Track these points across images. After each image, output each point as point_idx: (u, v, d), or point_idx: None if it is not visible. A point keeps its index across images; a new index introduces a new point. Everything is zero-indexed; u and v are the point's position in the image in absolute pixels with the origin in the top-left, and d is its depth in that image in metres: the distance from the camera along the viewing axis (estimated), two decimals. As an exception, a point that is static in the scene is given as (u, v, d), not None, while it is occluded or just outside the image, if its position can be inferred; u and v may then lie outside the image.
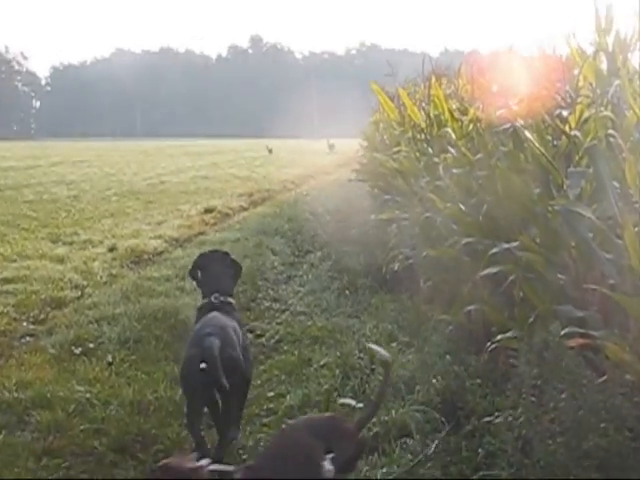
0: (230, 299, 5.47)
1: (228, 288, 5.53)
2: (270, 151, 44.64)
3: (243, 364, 4.97)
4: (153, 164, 35.30)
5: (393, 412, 5.27)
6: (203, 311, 5.33)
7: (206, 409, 4.89)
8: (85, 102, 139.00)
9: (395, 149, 9.43)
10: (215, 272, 5.57)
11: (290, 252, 12.42)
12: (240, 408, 5.28)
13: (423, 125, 8.32)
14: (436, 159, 7.21)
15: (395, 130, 10.19)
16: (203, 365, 4.58)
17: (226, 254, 5.79)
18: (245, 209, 18.72)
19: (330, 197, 19.57)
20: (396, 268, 8.56)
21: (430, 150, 7.75)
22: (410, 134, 8.82)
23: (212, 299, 5.38)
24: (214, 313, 5.21)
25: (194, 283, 5.75)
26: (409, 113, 8.86)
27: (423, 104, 8.59)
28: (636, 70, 5.05)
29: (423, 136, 8.28)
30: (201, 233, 14.58)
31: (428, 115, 8.01)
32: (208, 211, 17.32)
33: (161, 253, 12.45)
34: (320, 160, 38.97)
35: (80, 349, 7.19)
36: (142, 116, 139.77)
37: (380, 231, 10.45)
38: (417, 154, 8.28)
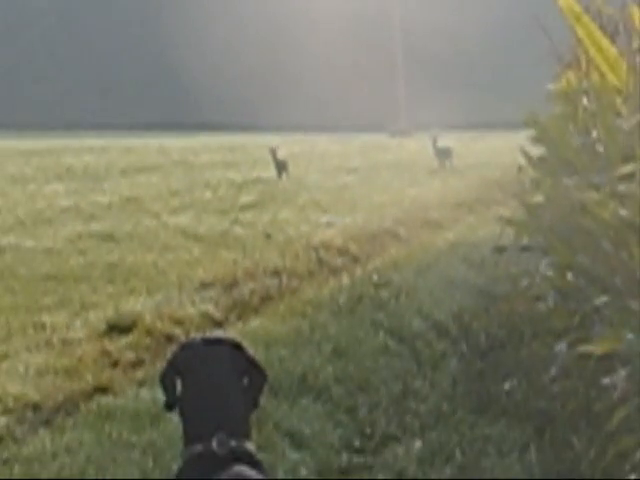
0: (249, 444, 3.07)
1: (242, 422, 3.11)
2: (280, 167, 18.44)
3: None
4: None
5: None
6: (199, 469, 2.96)
7: None
8: None
9: (623, 169, 4.76)
10: (215, 387, 3.10)
11: (342, 440, 5.78)
12: None
13: None
14: None
15: (622, 118, 5.16)
16: None
17: (236, 347, 3.21)
18: (217, 323, 8.28)
19: (446, 292, 9.09)
20: None
21: None
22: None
23: (214, 445, 2.96)
24: (238, 468, 2.93)
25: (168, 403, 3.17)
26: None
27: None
28: None
29: None
30: (103, 389, 6.47)
31: None
32: (118, 330, 7.66)
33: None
34: (415, 188, 17.13)
35: None
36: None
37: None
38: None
